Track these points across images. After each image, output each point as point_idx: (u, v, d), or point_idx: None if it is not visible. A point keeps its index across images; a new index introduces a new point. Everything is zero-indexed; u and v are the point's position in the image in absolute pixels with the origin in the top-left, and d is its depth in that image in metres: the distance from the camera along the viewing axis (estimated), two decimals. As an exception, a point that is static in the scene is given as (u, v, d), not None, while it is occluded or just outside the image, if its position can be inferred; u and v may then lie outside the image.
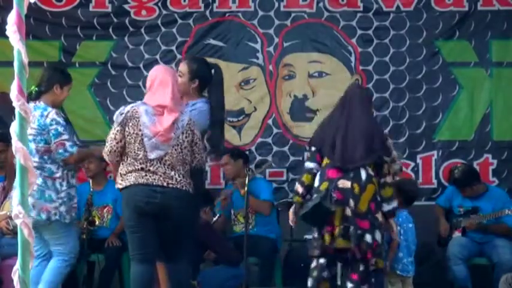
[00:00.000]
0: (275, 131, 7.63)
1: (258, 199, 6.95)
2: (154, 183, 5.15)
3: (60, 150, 5.57)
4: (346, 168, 5.23)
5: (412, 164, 7.52)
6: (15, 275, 2.60)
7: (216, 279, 6.56)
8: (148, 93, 5.31)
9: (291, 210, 5.49)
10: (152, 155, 5.16)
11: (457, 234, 6.98)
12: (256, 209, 6.97)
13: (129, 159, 5.21)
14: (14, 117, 2.64)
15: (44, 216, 5.53)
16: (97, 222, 6.91)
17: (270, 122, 7.64)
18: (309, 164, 5.42)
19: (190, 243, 5.38)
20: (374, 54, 7.60)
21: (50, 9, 7.57)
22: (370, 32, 7.61)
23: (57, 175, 5.60)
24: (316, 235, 5.29)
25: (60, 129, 5.58)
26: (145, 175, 5.17)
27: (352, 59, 7.63)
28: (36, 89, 5.70)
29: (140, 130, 5.17)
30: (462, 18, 7.55)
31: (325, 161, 5.34)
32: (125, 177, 5.22)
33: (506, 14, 7.54)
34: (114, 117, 5.30)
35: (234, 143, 7.60)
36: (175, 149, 5.18)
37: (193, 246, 5.48)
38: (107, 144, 5.28)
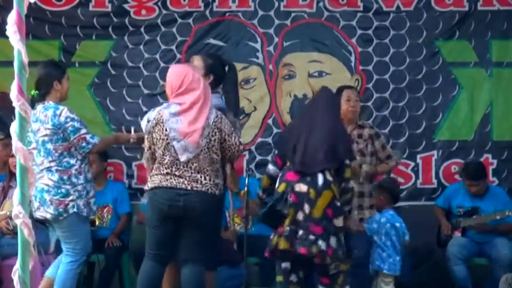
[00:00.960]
0: (275, 130, 7.63)
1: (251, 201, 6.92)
2: (178, 187, 5.15)
3: (83, 144, 5.58)
4: (305, 173, 5.19)
5: (412, 164, 7.52)
6: (15, 275, 2.60)
7: (216, 279, 6.54)
8: (179, 92, 5.25)
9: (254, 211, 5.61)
10: (183, 158, 5.15)
11: (456, 234, 6.98)
12: (253, 212, 6.95)
13: (156, 163, 5.23)
14: (14, 117, 2.64)
15: (61, 209, 5.52)
16: (97, 223, 6.90)
17: (270, 121, 7.64)
18: (268, 167, 5.44)
19: (212, 246, 5.37)
20: (374, 54, 7.60)
21: (50, 9, 7.56)
22: (370, 31, 7.60)
23: (74, 168, 5.58)
24: (272, 235, 5.27)
25: (77, 124, 5.59)
26: (170, 178, 5.17)
27: (352, 58, 7.62)
28: (37, 92, 5.70)
29: (166, 135, 5.16)
30: (462, 18, 7.55)
31: (287, 163, 5.33)
32: (151, 179, 5.25)
33: (506, 14, 7.53)
34: (142, 125, 5.34)
35: (234, 143, 7.59)
36: (203, 150, 5.18)
37: (214, 250, 5.47)
38: (143, 153, 5.36)
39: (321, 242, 5.10)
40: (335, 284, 5.24)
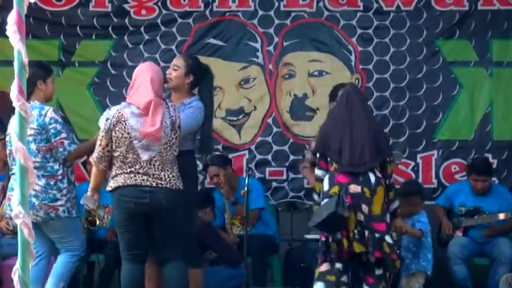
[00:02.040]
0: (275, 130, 7.62)
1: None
2: (143, 184, 5.15)
3: (61, 149, 5.56)
4: (356, 173, 5.22)
5: (412, 164, 7.51)
6: (15, 275, 2.59)
7: (216, 279, 6.55)
8: (131, 92, 5.29)
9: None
10: (145, 157, 5.15)
11: (458, 234, 6.98)
12: (241, 219, 6.95)
13: (118, 162, 5.20)
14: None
15: (53, 214, 5.53)
16: (97, 223, 6.89)
17: (269, 121, 7.64)
18: (317, 172, 5.43)
19: (185, 241, 5.37)
20: (374, 53, 7.60)
21: (50, 9, 7.57)
22: (370, 31, 7.60)
23: (59, 173, 5.57)
24: (329, 239, 5.27)
25: (59, 127, 5.56)
26: (134, 176, 5.16)
27: (352, 58, 7.62)
28: None
29: (128, 133, 5.15)
30: (462, 18, 7.54)
31: (334, 165, 5.33)
32: (114, 179, 5.23)
33: (506, 13, 7.52)
34: (100, 123, 5.28)
35: (234, 142, 7.60)
36: (165, 148, 5.18)
37: (190, 245, 5.47)
38: (95, 150, 5.29)
39: (387, 238, 5.18)
40: (379, 285, 5.26)
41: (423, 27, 7.57)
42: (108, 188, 5.30)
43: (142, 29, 7.59)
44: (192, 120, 5.49)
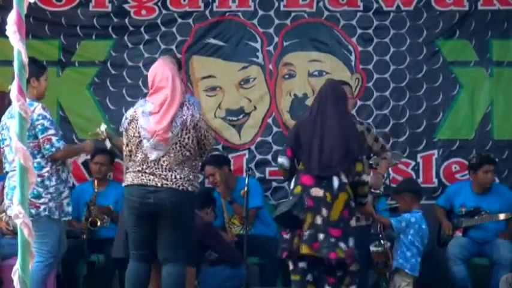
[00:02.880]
0: (275, 130, 7.63)
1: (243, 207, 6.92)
2: (148, 184, 5.17)
3: (47, 146, 5.49)
4: (319, 176, 5.20)
5: (413, 163, 7.52)
6: (15, 275, 2.59)
7: (216, 279, 6.54)
8: (151, 91, 5.31)
9: None
10: (152, 156, 5.17)
11: (457, 234, 6.98)
12: (241, 218, 6.95)
13: (130, 161, 5.26)
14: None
15: (33, 211, 5.45)
16: (98, 223, 6.89)
17: (269, 121, 7.64)
18: (282, 161, 5.39)
19: (188, 242, 5.38)
20: (374, 53, 7.60)
21: (50, 9, 7.57)
22: (370, 31, 7.60)
23: (45, 170, 5.51)
24: (287, 236, 5.28)
25: (47, 123, 5.49)
26: (142, 176, 5.18)
27: (352, 58, 7.62)
28: None
29: (139, 133, 5.18)
30: (462, 18, 7.54)
31: (300, 165, 5.33)
32: (126, 177, 5.29)
33: (506, 13, 7.53)
34: (123, 122, 5.37)
35: (234, 142, 7.59)
36: (174, 148, 5.17)
37: (191, 246, 5.48)
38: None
39: (342, 244, 5.15)
40: (341, 285, 5.27)
41: (423, 27, 7.57)
42: (123, 184, 5.37)
43: (142, 29, 7.59)
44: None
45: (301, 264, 5.30)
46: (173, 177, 5.18)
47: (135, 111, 5.26)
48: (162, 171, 5.17)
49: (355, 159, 5.29)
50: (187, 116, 5.23)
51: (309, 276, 5.31)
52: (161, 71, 5.30)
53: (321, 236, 5.15)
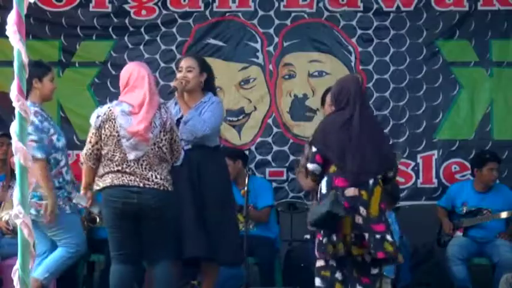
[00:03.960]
0: (275, 130, 7.63)
1: (256, 208, 6.92)
2: (130, 184, 5.14)
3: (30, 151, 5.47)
4: (361, 182, 5.20)
5: (413, 164, 7.51)
6: (15, 275, 2.59)
7: (216, 279, 6.54)
8: (125, 91, 5.28)
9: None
10: (131, 156, 5.14)
11: (458, 234, 6.98)
12: (256, 220, 6.95)
13: (105, 160, 5.20)
14: (14, 117, 2.64)
15: (42, 210, 5.48)
16: (97, 221, 6.88)
17: (270, 121, 7.64)
18: (310, 166, 5.34)
19: (172, 242, 5.38)
20: (374, 53, 7.60)
21: (50, 9, 7.57)
22: (370, 31, 7.60)
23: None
24: (325, 239, 5.26)
25: (31, 129, 5.39)
26: (122, 176, 5.16)
27: (352, 58, 7.62)
28: None
29: (117, 132, 5.15)
30: (462, 18, 7.55)
31: (333, 168, 5.28)
32: (102, 179, 5.22)
33: (506, 13, 7.53)
34: (91, 120, 5.28)
35: (234, 143, 7.59)
36: (153, 149, 5.17)
37: (173, 243, 5.47)
38: (85, 148, 5.29)
39: (389, 237, 5.15)
40: (374, 285, 5.27)
41: (423, 27, 7.57)
42: (96, 187, 5.28)
43: (142, 29, 7.59)
44: (218, 115, 5.67)
45: (331, 262, 5.29)
46: (154, 177, 5.16)
47: (110, 110, 5.20)
48: (143, 171, 5.15)
49: (391, 166, 5.33)
50: (166, 118, 5.23)
51: (338, 274, 5.30)
52: (137, 70, 5.29)
53: (366, 235, 5.15)
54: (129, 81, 5.25)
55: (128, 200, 5.13)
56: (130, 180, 5.14)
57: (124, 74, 5.32)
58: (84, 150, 5.28)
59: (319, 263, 5.32)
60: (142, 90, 5.19)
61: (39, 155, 5.45)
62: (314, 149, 5.37)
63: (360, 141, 5.22)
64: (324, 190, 5.27)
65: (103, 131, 5.18)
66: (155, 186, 5.15)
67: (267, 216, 6.98)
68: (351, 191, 5.18)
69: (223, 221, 5.65)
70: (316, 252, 5.31)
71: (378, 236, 5.15)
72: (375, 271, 5.26)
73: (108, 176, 5.18)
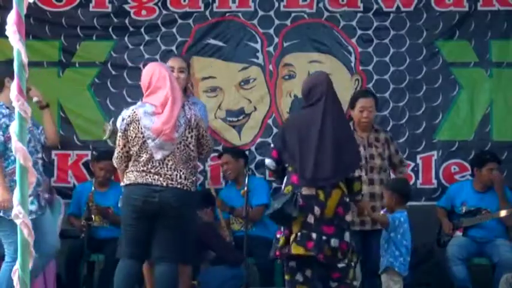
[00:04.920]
0: (275, 130, 7.62)
1: (250, 207, 6.93)
2: (153, 183, 5.18)
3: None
4: (317, 186, 5.17)
5: (412, 164, 7.51)
6: (15, 275, 2.60)
7: (216, 279, 6.55)
8: (148, 92, 5.31)
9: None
10: (158, 156, 5.19)
11: (457, 234, 6.98)
12: (249, 218, 6.97)
13: (132, 160, 5.26)
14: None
15: None
16: (94, 219, 6.87)
17: (270, 121, 7.64)
18: (266, 160, 5.43)
19: (186, 242, 5.39)
20: (374, 54, 7.60)
21: (50, 9, 7.56)
22: (370, 32, 7.60)
23: (9, 169, 5.41)
24: (279, 236, 5.27)
25: (8, 122, 5.36)
26: (146, 175, 5.20)
27: (352, 59, 7.62)
28: None
29: (142, 133, 5.18)
30: (462, 18, 7.54)
31: (291, 167, 5.30)
32: (127, 175, 5.27)
33: (506, 14, 7.53)
34: (118, 124, 5.35)
35: (234, 143, 7.59)
36: (178, 147, 5.21)
37: (189, 245, 5.49)
38: (115, 151, 5.36)
39: (333, 240, 5.13)
40: (346, 278, 5.25)
41: (423, 28, 7.57)
42: (122, 184, 5.35)
43: (142, 29, 7.59)
44: (206, 118, 5.81)
45: (291, 264, 5.28)
46: (178, 177, 5.21)
47: (134, 112, 5.26)
48: (167, 171, 5.20)
49: (350, 173, 5.28)
50: (191, 115, 5.29)
51: (299, 275, 5.27)
52: (158, 70, 5.33)
53: (314, 235, 5.12)
54: (152, 82, 5.29)
55: (149, 199, 5.18)
56: (154, 180, 5.20)
57: (145, 75, 5.37)
58: (115, 154, 5.35)
59: (284, 267, 5.34)
60: (165, 90, 5.24)
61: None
62: (272, 145, 5.42)
63: (320, 144, 5.18)
64: (283, 185, 5.31)
65: (129, 133, 5.22)
66: (178, 186, 5.21)
67: (260, 214, 6.96)
68: (307, 190, 5.17)
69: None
70: (275, 252, 5.30)
71: (323, 238, 5.11)
72: (341, 264, 5.22)
73: (133, 174, 5.23)
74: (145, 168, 5.20)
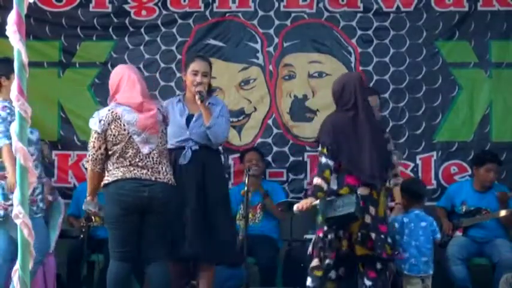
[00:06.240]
0: (275, 131, 7.63)
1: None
2: (142, 178, 5.19)
3: None
4: (375, 185, 5.25)
5: (412, 165, 7.52)
6: (15, 275, 2.60)
7: (216, 279, 6.54)
8: (117, 94, 5.32)
9: (310, 201, 5.33)
10: (145, 150, 5.21)
11: (457, 234, 6.98)
12: (275, 214, 7.08)
13: (114, 158, 5.22)
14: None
15: (1, 212, 5.42)
16: (93, 220, 6.87)
17: (270, 122, 7.64)
18: (328, 161, 5.27)
19: (169, 241, 5.43)
20: (374, 54, 7.60)
21: (50, 10, 7.57)
22: (370, 32, 7.60)
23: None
24: (331, 236, 5.27)
25: None
26: (134, 170, 5.20)
27: (352, 59, 7.62)
28: None
29: (125, 129, 5.19)
30: (462, 19, 7.54)
31: (343, 166, 5.32)
32: (111, 172, 5.23)
33: (506, 14, 7.52)
34: (92, 125, 5.28)
35: (234, 143, 7.60)
36: (160, 142, 5.26)
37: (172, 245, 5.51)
38: (89, 153, 5.30)
39: (389, 239, 5.25)
40: (379, 280, 5.32)
41: (423, 28, 7.57)
42: (105, 182, 5.29)
43: (142, 29, 7.59)
44: (229, 120, 5.96)
45: (328, 261, 5.30)
46: (163, 170, 5.26)
47: (112, 112, 5.25)
48: (153, 164, 5.23)
49: (389, 169, 5.45)
50: (163, 111, 5.38)
51: (333, 273, 5.33)
52: (127, 74, 5.37)
53: (373, 234, 5.20)
54: (120, 86, 5.33)
55: (139, 193, 5.17)
56: (143, 174, 5.20)
57: (114, 77, 5.39)
58: (90, 156, 5.30)
59: (314, 262, 5.35)
60: (135, 90, 5.27)
61: (6, 140, 5.40)
62: (325, 149, 5.30)
63: (368, 143, 5.28)
64: (334, 186, 5.28)
65: (109, 132, 5.21)
66: (164, 180, 5.24)
67: (284, 214, 7.03)
68: (364, 190, 5.24)
69: (223, 222, 5.71)
70: (310, 250, 5.32)
71: (382, 237, 5.21)
72: (379, 266, 5.31)
73: (120, 170, 5.21)
74: (133, 162, 5.21)
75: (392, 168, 5.50)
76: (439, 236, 6.17)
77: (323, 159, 5.31)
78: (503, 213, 6.89)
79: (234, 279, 6.65)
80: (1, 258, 5.61)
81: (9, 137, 5.46)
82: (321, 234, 5.32)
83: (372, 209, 5.22)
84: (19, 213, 2.56)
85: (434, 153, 7.57)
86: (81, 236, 6.78)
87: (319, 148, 5.39)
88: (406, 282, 6.02)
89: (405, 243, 5.98)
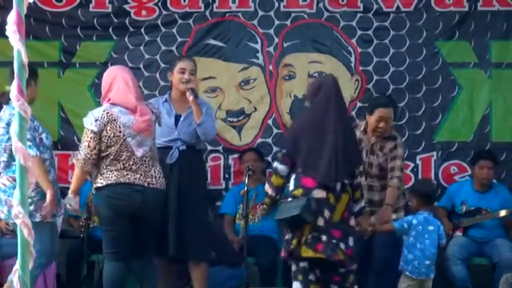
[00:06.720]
0: (275, 131, 7.63)
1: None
2: (135, 183, 5.19)
3: None
4: (329, 186, 5.21)
5: (412, 165, 7.52)
6: (15, 275, 2.60)
7: (216, 279, 6.55)
8: (111, 94, 5.32)
9: (263, 207, 5.55)
10: (139, 153, 5.21)
11: (457, 234, 6.99)
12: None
13: (108, 160, 5.22)
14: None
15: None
16: (93, 219, 6.86)
17: (270, 122, 7.64)
18: (279, 166, 5.36)
19: (156, 241, 5.48)
20: (374, 54, 7.60)
21: (50, 10, 7.57)
22: (370, 32, 7.60)
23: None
24: (288, 237, 5.29)
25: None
26: (127, 174, 5.20)
27: (352, 59, 7.62)
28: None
29: (120, 132, 5.18)
30: (462, 19, 7.54)
31: (297, 166, 5.32)
32: (105, 176, 5.23)
33: (506, 14, 7.53)
34: (87, 125, 5.27)
35: (234, 143, 7.60)
36: (153, 144, 5.30)
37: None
38: (81, 152, 5.28)
39: (342, 245, 5.17)
40: (346, 282, 5.29)
41: (423, 28, 7.57)
42: (98, 185, 5.28)
43: (142, 30, 7.59)
44: (212, 118, 5.98)
45: (302, 264, 5.31)
46: (156, 173, 5.28)
47: (108, 112, 5.26)
48: (146, 167, 5.23)
49: (355, 168, 5.38)
50: (157, 112, 5.42)
51: (311, 275, 5.32)
52: (120, 75, 5.36)
53: (324, 237, 5.16)
54: (113, 86, 5.33)
55: (131, 199, 5.18)
56: (136, 179, 5.21)
57: (107, 78, 5.38)
58: (82, 155, 5.27)
59: (293, 267, 5.36)
60: (131, 94, 5.28)
61: (33, 152, 5.38)
62: (284, 151, 5.47)
63: (331, 145, 5.22)
64: (291, 186, 5.32)
65: (104, 133, 5.21)
66: (157, 186, 5.24)
67: None
68: (319, 193, 5.20)
69: (197, 219, 5.78)
70: (283, 252, 5.33)
71: (334, 241, 5.16)
72: (342, 270, 5.28)
73: (113, 174, 5.21)
74: (126, 165, 5.22)
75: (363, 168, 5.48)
76: (444, 241, 6.16)
77: (274, 164, 5.48)
78: (503, 213, 6.90)
79: (234, 279, 6.65)
80: (44, 258, 5.60)
81: (37, 149, 5.46)
82: (286, 236, 5.34)
83: (326, 213, 5.16)
84: (19, 213, 2.56)
85: (434, 153, 7.57)
86: (81, 236, 6.78)
87: (283, 150, 5.51)
88: (402, 282, 6.01)
89: (410, 244, 5.98)
